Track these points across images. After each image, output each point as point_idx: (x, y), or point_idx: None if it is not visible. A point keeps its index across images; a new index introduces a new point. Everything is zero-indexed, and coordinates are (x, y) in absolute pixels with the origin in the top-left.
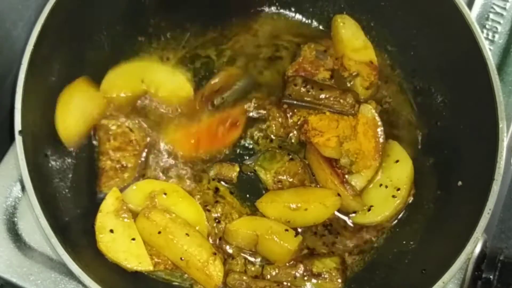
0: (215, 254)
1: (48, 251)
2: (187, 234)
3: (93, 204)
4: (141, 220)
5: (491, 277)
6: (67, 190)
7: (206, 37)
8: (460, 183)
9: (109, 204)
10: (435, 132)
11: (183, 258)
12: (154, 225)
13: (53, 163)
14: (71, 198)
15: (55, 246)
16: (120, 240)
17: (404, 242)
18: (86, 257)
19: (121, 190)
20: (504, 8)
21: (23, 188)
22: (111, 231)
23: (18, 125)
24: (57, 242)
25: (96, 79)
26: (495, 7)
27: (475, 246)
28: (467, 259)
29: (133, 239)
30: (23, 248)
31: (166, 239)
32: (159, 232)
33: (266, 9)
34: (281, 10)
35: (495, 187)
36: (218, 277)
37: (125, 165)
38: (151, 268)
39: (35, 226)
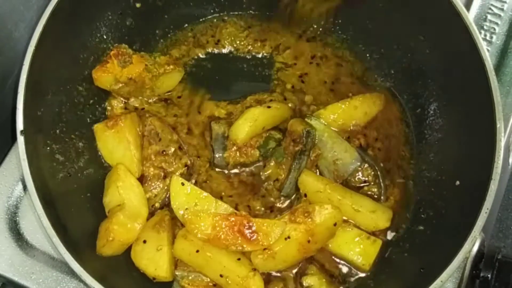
0: (254, 270)
1: (50, 250)
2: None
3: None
4: (180, 241)
5: (489, 276)
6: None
7: None
8: (458, 182)
9: (154, 220)
10: (433, 133)
11: (222, 275)
12: (192, 244)
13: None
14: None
15: (57, 245)
16: (148, 249)
17: (402, 240)
18: (87, 256)
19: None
20: (502, 9)
21: (24, 187)
22: (144, 241)
23: (20, 125)
24: (58, 241)
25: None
26: (492, 8)
27: (473, 245)
28: (465, 258)
29: (160, 249)
30: (25, 247)
31: (205, 257)
32: (197, 251)
33: None
34: None
35: (493, 187)
36: None
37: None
38: (164, 275)
39: (37, 225)
